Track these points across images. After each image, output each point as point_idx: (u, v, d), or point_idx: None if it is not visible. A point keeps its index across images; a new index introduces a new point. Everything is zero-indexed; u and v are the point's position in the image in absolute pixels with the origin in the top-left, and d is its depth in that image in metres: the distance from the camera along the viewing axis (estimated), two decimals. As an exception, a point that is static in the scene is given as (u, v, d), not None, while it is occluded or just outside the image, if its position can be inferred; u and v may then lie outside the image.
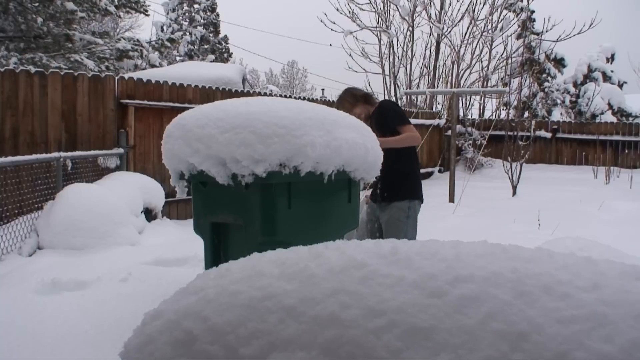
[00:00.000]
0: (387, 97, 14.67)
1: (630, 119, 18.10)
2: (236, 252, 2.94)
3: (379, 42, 14.68)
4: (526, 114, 16.78)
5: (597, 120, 17.09)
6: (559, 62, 20.27)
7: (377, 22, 14.43)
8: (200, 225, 3.07)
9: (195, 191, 3.06)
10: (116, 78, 6.63)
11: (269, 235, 2.80)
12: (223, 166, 2.77)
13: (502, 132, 11.29)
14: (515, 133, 10.27)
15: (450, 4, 14.96)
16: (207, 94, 7.57)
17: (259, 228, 2.79)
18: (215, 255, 3.06)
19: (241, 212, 2.85)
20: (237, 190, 2.79)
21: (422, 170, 12.71)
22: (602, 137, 14.41)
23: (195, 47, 24.88)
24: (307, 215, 2.85)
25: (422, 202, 3.67)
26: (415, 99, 14.73)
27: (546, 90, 19.24)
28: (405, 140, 3.54)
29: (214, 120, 2.83)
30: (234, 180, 2.76)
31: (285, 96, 9.46)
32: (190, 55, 24.21)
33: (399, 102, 13.89)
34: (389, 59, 14.65)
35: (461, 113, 14.56)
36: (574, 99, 19.38)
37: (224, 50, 26.08)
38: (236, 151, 2.72)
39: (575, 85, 19.63)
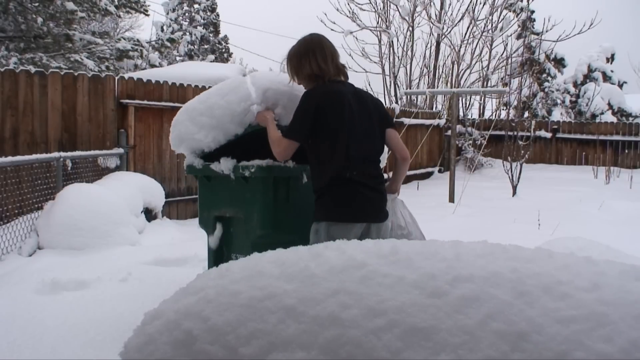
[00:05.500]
0: (387, 97, 14.69)
1: (630, 119, 18.11)
2: (238, 245, 3.00)
3: (379, 42, 14.68)
4: (526, 114, 16.77)
5: (597, 120, 17.10)
6: (559, 62, 20.28)
7: (377, 22, 14.44)
8: (204, 218, 3.13)
9: (200, 185, 3.13)
10: (116, 78, 6.63)
11: (267, 228, 2.85)
12: (226, 133, 2.91)
13: (502, 132, 11.29)
14: (515, 133, 10.26)
15: (450, 4, 14.96)
16: (207, 94, 7.56)
17: (257, 221, 2.84)
18: (218, 249, 3.12)
19: (241, 206, 2.91)
20: (238, 183, 2.86)
21: (422, 170, 12.76)
22: (602, 137, 14.41)
23: (195, 47, 24.87)
24: (305, 210, 2.88)
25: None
26: (415, 99, 14.73)
27: (546, 90, 19.24)
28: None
29: (215, 91, 3.03)
30: (235, 172, 2.83)
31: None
32: (190, 55, 24.20)
33: (399, 102, 13.89)
34: (389, 59, 14.66)
35: (461, 113, 14.56)
36: (574, 99, 19.39)
37: (224, 50, 26.06)
38: (239, 105, 2.86)
39: (575, 85, 19.64)
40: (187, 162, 3.07)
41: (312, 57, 2.63)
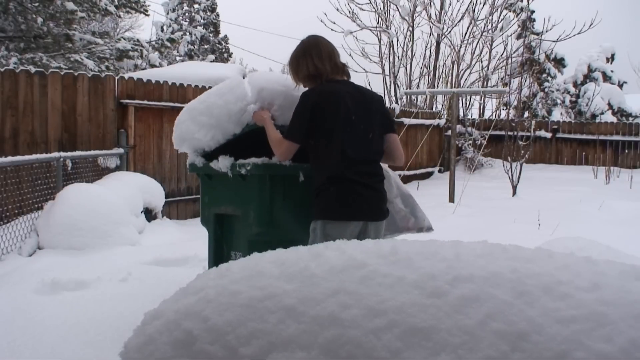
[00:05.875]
0: (387, 97, 14.69)
1: (630, 119, 18.10)
2: (237, 243, 3.06)
3: (379, 42, 14.68)
4: (526, 114, 16.78)
5: (597, 120, 17.09)
6: (559, 62, 20.28)
7: (377, 22, 14.43)
8: (205, 216, 3.19)
9: (202, 184, 3.19)
10: (116, 78, 6.63)
11: (264, 226, 2.88)
12: (224, 133, 2.95)
13: (502, 132, 11.29)
14: (515, 133, 10.26)
15: (450, 4, 14.95)
16: (207, 94, 7.56)
17: (254, 218, 2.88)
18: (218, 247, 3.16)
19: (239, 203, 2.95)
20: (236, 181, 2.90)
21: (422, 170, 12.76)
22: (602, 137, 14.40)
23: (195, 47, 24.87)
24: (302, 208, 2.91)
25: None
26: (415, 99, 14.72)
27: (546, 90, 19.24)
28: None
29: (214, 91, 3.08)
30: (233, 170, 2.87)
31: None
32: (190, 55, 24.19)
33: (399, 102, 13.89)
34: (389, 59, 14.66)
35: (461, 113, 14.55)
36: (574, 99, 19.39)
37: (224, 50, 26.07)
38: (236, 105, 2.89)
39: (575, 85, 19.64)
40: (189, 161, 3.14)
41: (308, 57, 2.67)
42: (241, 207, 2.94)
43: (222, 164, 2.92)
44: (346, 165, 2.55)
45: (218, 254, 3.13)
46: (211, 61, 20.78)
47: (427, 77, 15.11)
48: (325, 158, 2.58)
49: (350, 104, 2.60)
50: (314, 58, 2.66)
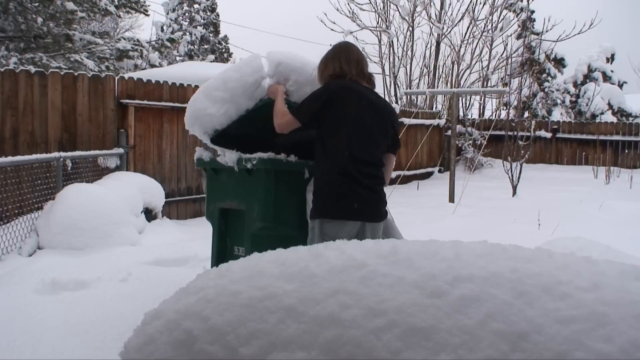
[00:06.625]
0: (387, 97, 14.68)
1: (630, 119, 18.10)
2: (240, 238, 3.07)
3: (379, 42, 14.68)
4: (526, 114, 16.77)
5: (597, 120, 17.09)
6: (559, 62, 20.28)
7: (377, 22, 14.44)
8: (210, 211, 3.21)
9: (208, 179, 3.21)
10: (116, 78, 6.63)
11: (268, 220, 2.89)
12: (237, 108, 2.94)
13: (502, 132, 11.29)
14: (515, 133, 10.26)
15: (450, 4, 14.96)
16: (207, 94, 7.55)
17: (258, 213, 2.89)
18: (221, 241, 3.18)
19: (244, 198, 2.97)
20: (242, 175, 2.93)
21: (422, 170, 12.75)
22: (602, 137, 14.40)
23: (195, 47, 24.87)
24: (305, 204, 2.91)
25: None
26: (415, 99, 14.72)
27: (546, 90, 19.23)
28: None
29: (231, 67, 3.11)
30: (239, 164, 2.90)
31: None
32: (190, 55, 24.19)
33: (399, 102, 13.88)
34: (389, 59, 14.66)
35: (461, 113, 14.55)
36: (574, 99, 19.38)
37: (224, 50, 26.05)
38: (252, 77, 2.89)
39: (575, 85, 19.63)
40: (196, 156, 3.17)
41: (336, 59, 2.74)
42: (246, 201, 2.95)
43: (229, 158, 2.93)
44: (349, 162, 2.56)
45: (221, 249, 3.14)
46: (211, 61, 20.78)
47: (427, 77, 15.12)
48: (330, 153, 2.59)
49: (365, 106, 2.63)
50: (341, 61, 2.73)
